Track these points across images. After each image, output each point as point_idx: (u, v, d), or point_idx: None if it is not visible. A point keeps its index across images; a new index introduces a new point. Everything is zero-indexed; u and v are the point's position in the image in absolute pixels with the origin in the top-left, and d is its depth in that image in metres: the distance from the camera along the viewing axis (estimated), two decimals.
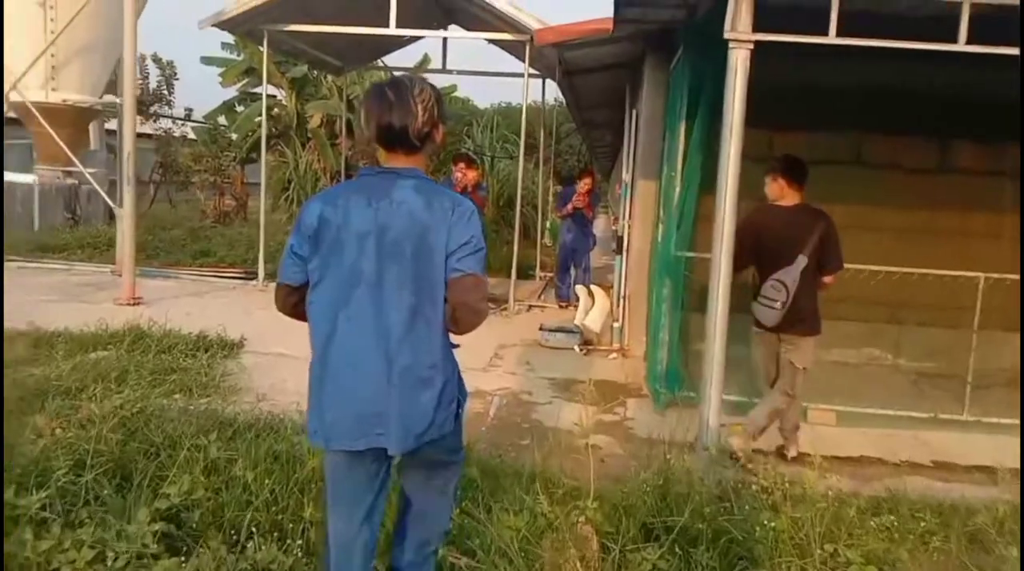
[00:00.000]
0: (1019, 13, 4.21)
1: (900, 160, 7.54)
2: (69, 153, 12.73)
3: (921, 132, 7.38)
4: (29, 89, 13.52)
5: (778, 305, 4.86)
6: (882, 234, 7.30)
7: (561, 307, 10.82)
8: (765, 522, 3.43)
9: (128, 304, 8.74)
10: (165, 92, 19.95)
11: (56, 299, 9.08)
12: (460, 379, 2.73)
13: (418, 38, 13.45)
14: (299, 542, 3.36)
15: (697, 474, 3.93)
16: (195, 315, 8.50)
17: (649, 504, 3.73)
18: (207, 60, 21.77)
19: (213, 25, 10.13)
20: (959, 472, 5.21)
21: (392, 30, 10.11)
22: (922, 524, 3.81)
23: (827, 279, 5.05)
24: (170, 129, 19.98)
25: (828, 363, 6.82)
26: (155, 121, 20.30)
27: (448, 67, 13.97)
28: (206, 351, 6.82)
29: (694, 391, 6.08)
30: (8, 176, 14.53)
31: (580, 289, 8.95)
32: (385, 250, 2.53)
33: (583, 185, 11.00)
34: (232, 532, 3.42)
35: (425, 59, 20.40)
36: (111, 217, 19.01)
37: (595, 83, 11.09)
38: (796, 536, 3.41)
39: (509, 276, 13.22)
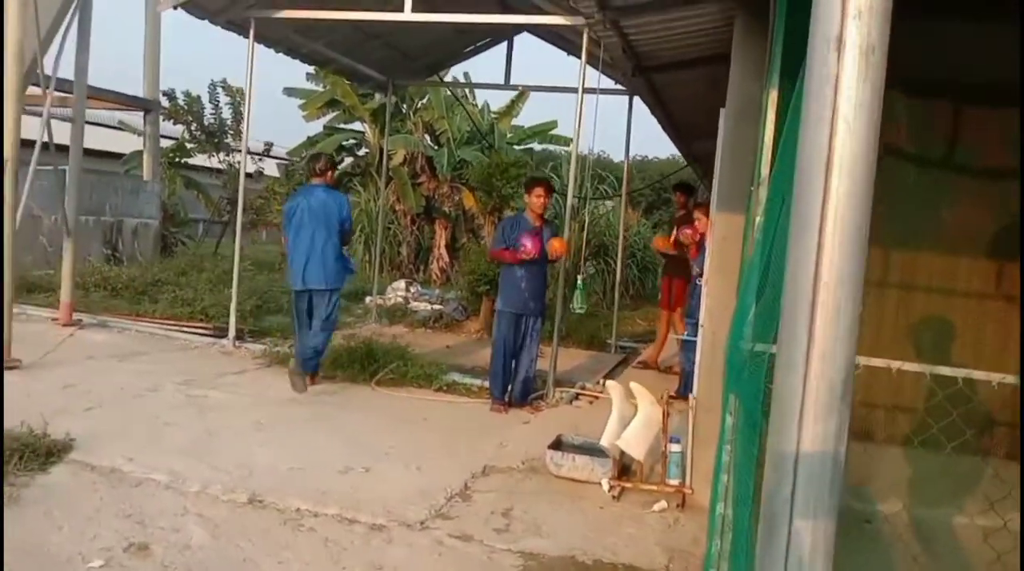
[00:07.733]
0: None
1: None
2: None
3: None
4: None
5: None
6: None
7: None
8: None
9: None
10: (232, 123, 18.27)
11: None
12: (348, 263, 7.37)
13: (474, 49, 10.92)
14: None
15: None
16: (75, 388, 6.03)
17: None
18: (289, 91, 20.10)
19: (181, 7, 7.82)
20: None
21: (407, 15, 7.60)
22: None
23: None
24: (237, 162, 18.22)
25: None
26: (226, 154, 18.65)
27: (514, 83, 11.31)
28: None
29: None
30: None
31: (610, 385, 5.64)
32: (314, 217, 6.88)
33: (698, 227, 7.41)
34: None
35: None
36: (165, 254, 17.46)
37: (685, 89, 8.11)
38: None
39: (586, 346, 10.33)
